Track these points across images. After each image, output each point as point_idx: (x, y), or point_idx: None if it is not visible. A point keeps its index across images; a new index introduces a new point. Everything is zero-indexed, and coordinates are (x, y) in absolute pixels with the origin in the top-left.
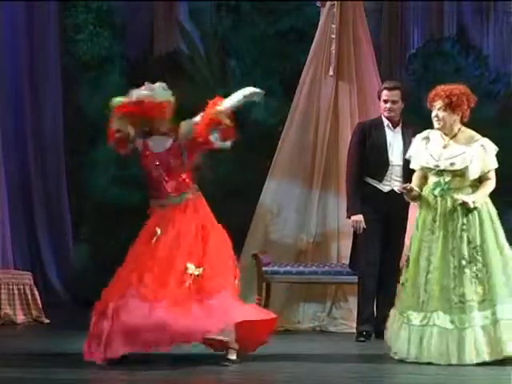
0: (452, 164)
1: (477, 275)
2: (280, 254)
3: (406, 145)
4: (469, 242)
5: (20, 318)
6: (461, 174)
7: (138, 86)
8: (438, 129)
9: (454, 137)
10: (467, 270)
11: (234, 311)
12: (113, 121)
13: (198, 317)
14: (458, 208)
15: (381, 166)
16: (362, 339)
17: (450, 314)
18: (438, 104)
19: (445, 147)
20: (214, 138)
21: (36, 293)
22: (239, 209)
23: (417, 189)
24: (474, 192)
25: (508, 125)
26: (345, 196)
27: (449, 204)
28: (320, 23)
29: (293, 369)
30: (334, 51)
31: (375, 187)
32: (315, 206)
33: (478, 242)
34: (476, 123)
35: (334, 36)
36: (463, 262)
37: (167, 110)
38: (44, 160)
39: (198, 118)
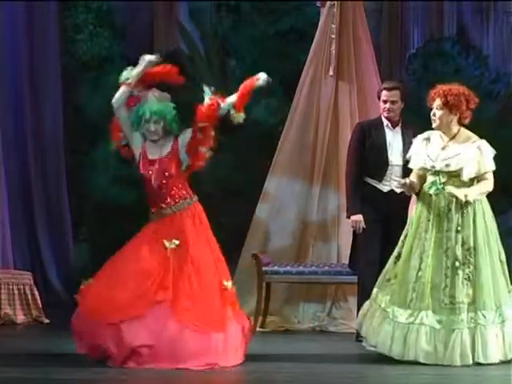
0: (447, 165)
1: (469, 277)
2: (280, 254)
3: (406, 145)
4: (463, 244)
5: (20, 317)
6: (456, 175)
7: None
8: (435, 127)
9: (452, 138)
10: (460, 272)
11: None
12: (117, 119)
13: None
14: (453, 208)
15: (380, 165)
16: (362, 339)
17: (439, 313)
18: (436, 102)
19: (443, 148)
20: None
21: (36, 293)
22: (239, 208)
23: (414, 179)
24: None
25: (508, 125)
26: (345, 196)
27: (443, 204)
28: (320, 23)
29: (293, 369)
30: (333, 51)
31: (375, 187)
32: (315, 206)
33: (472, 244)
34: (476, 123)
35: (333, 36)
36: (456, 264)
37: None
38: (44, 160)
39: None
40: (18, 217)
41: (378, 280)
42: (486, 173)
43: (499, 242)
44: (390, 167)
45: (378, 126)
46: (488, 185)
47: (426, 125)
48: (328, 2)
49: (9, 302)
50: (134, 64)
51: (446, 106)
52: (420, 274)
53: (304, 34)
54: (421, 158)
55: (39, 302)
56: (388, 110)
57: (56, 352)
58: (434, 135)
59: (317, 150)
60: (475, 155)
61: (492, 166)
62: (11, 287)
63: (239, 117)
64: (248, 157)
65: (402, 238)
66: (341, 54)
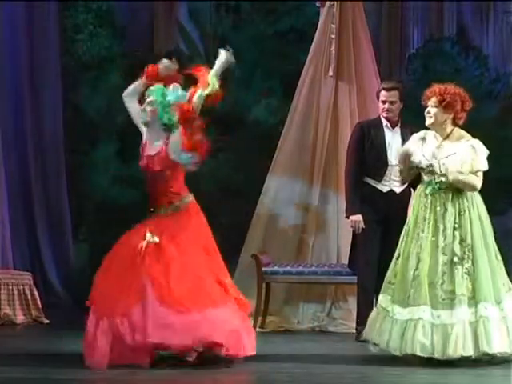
0: (442, 164)
1: (468, 272)
2: (280, 254)
3: None
4: (461, 240)
5: (20, 318)
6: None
7: None
8: (429, 124)
9: (446, 137)
10: (459, 267)
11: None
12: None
13: None
14: (449, 207)
15: (380, 166)
16: (362, 339)
17: (437, 309)
18: (432, 100)
19: (438, 147)
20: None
21: (36, 293)
22: (239, 208)
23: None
24: (464, 192)
25: (508, 125)
26: (344, 196)
27: (439, 203)
28: (320, 23)
29: (292, 369)
30: (333, 51)
31: (374, 187)
32: (315, 206)
33: (469, 241)
34: (476, 123)
35: (333, 36)
36: (455, 259)
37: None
38: (44, 160)
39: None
40: (17, 217)
41: (383, 285)
42: (478, 171)
43: (494, 242)
44: (389, 167)
45: (378, 126)
46: (475, 180)
47: (425, 125)
48: (328, 2)
49: (8, 302)
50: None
51: (442, 104)
52: (417, 272)
53: (304, 34)
54: (416, 157)
55: (39, 302)
56: (387, 110)
57: (56, 352)
58: (429, 135)
59: (317, 149)
60: (469, 154)
61: (485, 166)
62: (11, 287)
63: (210, 91)
64: (248, 157)
65: (401, 238)
66: (340, 54)
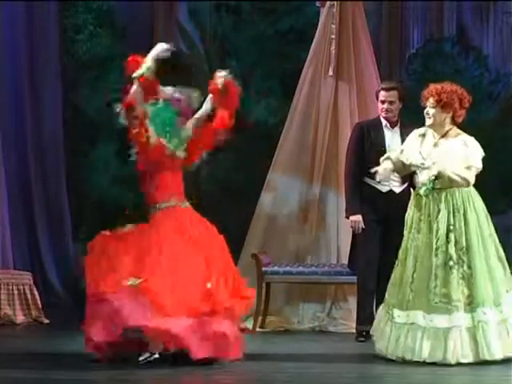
0: (436, 162)
1: (463, 276)
2: (280, 254)
3: None
4: (456, 243)
5: (20, 318)
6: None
7: None
8: (429, 125)
9: (443, 136)
10: (454, 271)
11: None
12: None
13: None
14: (442, 208)
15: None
16: (362, 339)
17: (429, 313)
18: (430, 101)
19: (435, 145)
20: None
21: (36, 293)
22: (239, 208)
23: (389, 165)
24: (460, 192)
25: (508, 125)
26: (344, 196)
27: (433, 204)
28: (320, 23)
29: (293, 369)
30: (333, 51)
31: (374, 187)
32: (315, 206)
33: (464, 244)
34: (476, 124)
35: (333, 36)
36: (450, 263)
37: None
38: (44, 160)
39: None
40: (17, 217)
41: (388, 287)
42: (469, 166)
43: (496, 239)
44: None
45: (377, 126)
46: (467, 175)
47: (425, 125)
48: (328, 2)
49: (8, 302)
50: None
51: (439, 104)
52: (415, 275)
53: (304, 34)
54: (413, 155)
55: (39, 302)
56: (386, 110)
57: (56, 352)
58: (429, 132)
59: (316, 149)
60: (462, 149)
61: (477, 161)
62: (11, 287)
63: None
64: (248, 157)
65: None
66: (340, 54)
